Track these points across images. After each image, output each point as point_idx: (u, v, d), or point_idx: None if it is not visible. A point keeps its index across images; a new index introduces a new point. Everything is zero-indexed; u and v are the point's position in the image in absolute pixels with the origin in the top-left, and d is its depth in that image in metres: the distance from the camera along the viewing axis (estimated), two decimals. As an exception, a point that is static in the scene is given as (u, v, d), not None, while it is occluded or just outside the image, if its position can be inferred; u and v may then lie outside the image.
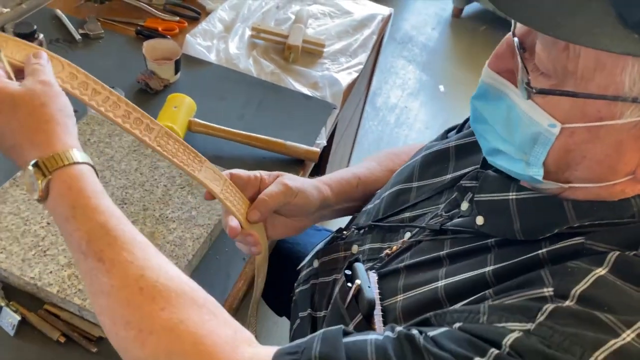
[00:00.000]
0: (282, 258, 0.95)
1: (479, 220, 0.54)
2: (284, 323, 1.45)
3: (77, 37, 1.17)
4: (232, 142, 0.99)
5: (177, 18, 1.28)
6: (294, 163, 1.00)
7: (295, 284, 0.79)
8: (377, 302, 0.56)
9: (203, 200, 0.85)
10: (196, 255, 0.78)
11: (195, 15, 1.31)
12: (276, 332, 1.55)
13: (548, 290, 0.43)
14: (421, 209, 0.66)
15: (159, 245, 0.77)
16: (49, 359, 0.67)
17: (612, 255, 0.44)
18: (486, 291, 0.48)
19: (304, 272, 0.78)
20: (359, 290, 0.57)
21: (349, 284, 0.59)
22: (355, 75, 1.23)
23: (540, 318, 0.41)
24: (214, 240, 0.84)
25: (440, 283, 0.53)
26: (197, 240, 0.79)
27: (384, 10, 1.46)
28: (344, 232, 0.77)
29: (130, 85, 1.08)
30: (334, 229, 0.81)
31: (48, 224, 0.77)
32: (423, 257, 0.58)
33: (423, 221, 0.64)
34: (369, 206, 0.76)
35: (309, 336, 0.50)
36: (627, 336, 0.39)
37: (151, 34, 1.21)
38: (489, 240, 0.54)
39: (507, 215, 0.52)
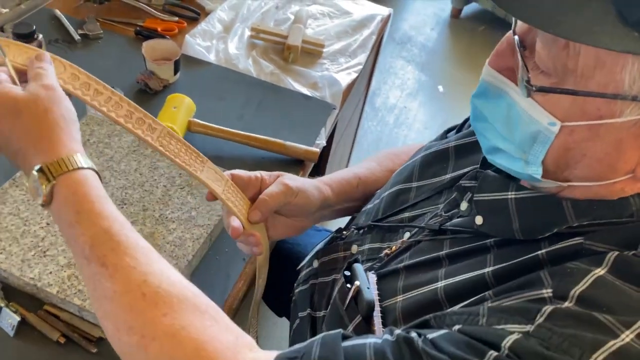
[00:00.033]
0: (282, 258, 0.95)
1: (478, 220, 0.54)
2: (283, 323, 1.45)
3: (76, 37, 1.17)
4: (232, 143, 0.99)
5: (176, 18, 1.28)
6: (294, 163, 1.00)
7: (295, 284, 0.79)
8: (377, 303, 0.56)
9: (203, 200, 0.85)
10: (196, 255, 0.78)
11: (195, 15, 1.31)
12: (275, 332, 1.55)
13: (547, 292, 0.43)
14: (421, 209, 0.66)
15: (158, 245, 0.77)
16: (48, 359, 0.67)
17: (611, 256, 0.44)
18: (486, 292, 0.48)
19: (303, 272, 0.78)
20: (358, 291, 0.57)
21: (348, 285, 0.59)
22: (354, 75, 1.23)
23: (539, 320, 0.41)
24: (213, 240, 0.84)
25: (440, 284, 0.53)
26: (197, 241, 0.79)
27: (383, 11, 1.46)
28: (344, 232, 0.77)
29: (129, 86, 1.08)
30: (334, 229, 0.81)
31: (48, 224, 0.76)
32: (422, 258, 0.58)
33: (422, 221, 0.64)
34: (369, 206, 0.76)
35: (308, 341, 0.50)
36: (626, 337, 0.39)
37: (150, 34, 1.21)
38: (488, 241, 0.54)
39: (506, 214, 0.52)
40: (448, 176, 0.67)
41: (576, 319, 0.40)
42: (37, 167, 0.48)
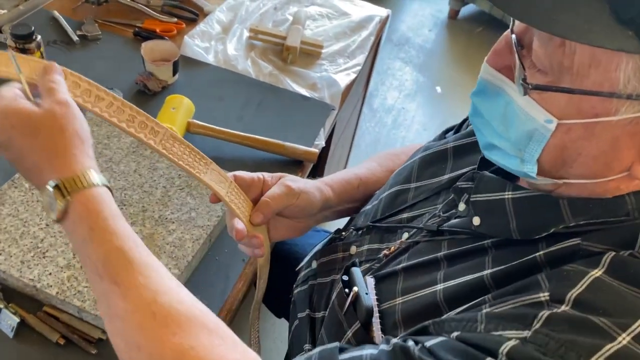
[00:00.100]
0: (281, 259, 0.95)
1: (476, 220, 0.55)
2: (282, 324, 1.45)
3: (75, 38, 1.17)
4: (231, 144, 0.99)
5: (175, 19, 1.28)
6: (293, 164, 1.00)
7: (294, 285, 0.79)
8: (375, 309, 0.56)
9: (202, 201, 0.85)
10: (196, 256, 0.78)
11: (193, 16, 1.31)
12: (274, 333, 1.55)
13: (544, 295, 0.43)
14: (419, 210, 0.66)
15: (158, 246, 0.77)
16: (48, 360, 0.67)
17: (608, 256, 0.44)
18: (485, 296, 0.48)
19: (302, 273, 0.78)
20: (357, 297, 0.57)
21: (346, 290, 0.59)
22: (353, 76, 1.23)
23: (536, 325, 0.41)
24: (213, 241, 0.84)
25: (439, 286, 0.53)
26: (196, 242, 0.79)
27: (381, 12, 1.46)
28: (343, 233, 0.77)
29: (128, 87, 1.08)
30: (333, 230, 0.81)
31: (47, 225, 0.76)
32: (421, 259, 0.58)
33: (421, 222, 0.64)
34: (368, 207, 0.76)
35: (306, 356, 0.51)
36: (623, 339, 0.39)
37: (149, 35, 1.21)
38: (486, 242, 0.54)
39: (504, 214, 0.52)
40: (446, 177, 0.67)
41: (572, 324, 0.40)
42: (52, 184, 0.49)
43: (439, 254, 0.57)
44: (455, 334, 0.45)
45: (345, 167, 1.90)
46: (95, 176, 0.51)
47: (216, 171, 0.63)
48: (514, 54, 0.48)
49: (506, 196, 0.52)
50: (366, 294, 0.57)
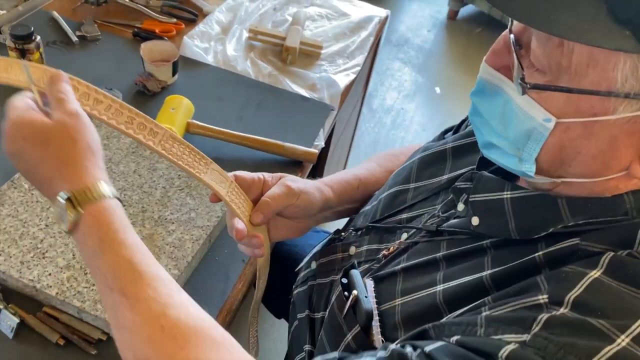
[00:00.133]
0: (280, 260, 0.95)
1: (474, 220, 0.55)
2: (281, 325, 1.44)
3: (74, 39, 1.17)
4: (231, 144, 0.99)
5: (174, 20, 1.29)
6: (292, 164, 1.00)
7: (294, 286, 0.79)
8: (375, 313, 0.56)
9: (202, 201, 0.85)
10: (195, 256, 0.78)
11: (192, 17, 1.31)
12: (273, 334, 1.55)
13: (543, 298, 0.43)
14: (418, 210, 0.67)
15: (158, 247, 0.77)
16: (48, 361, 0.66)
17: (607, 257, 0.44)
18: (484, 298, 0.48)
19: (302, 274, 0.78)
20: (357, 300, 0.57)
21: (346, 293, 0.59)
22: (352, 76, 1.23)
23: (536, 329, 0.41)
24: (213, 241, 0.84)
25: (439, 287, 0.53)
26: (196, 242, 0.79)
27: (380, 12, 1.46)
28: (342, 233, 0.77)
29: (128, 87, 1.08)
30: (332, 230, 0.81)
31: (46, 226, 0.76)
32: (420, 259, 0.58)
33: (420, 222, 0.64)
34: (367, 208, 0.76)
35: None
36: (622, 341, 0.39)
37: (148, 35, 1.21)
38: (485, 242, 0.54)
39: (502, 214, 0.52)
40: (445, 177, 0.67)
41: (571, 326, 0.40)
42: (64, 195, 0.49)
43: (438, 255, 0.57)
44: (455, 338, 0.45)
45: (344, 168, 1.90)
46: (106, 188, 0.51)
47: (216, 171, 0.63)
48: (512, 53, 0.48)
49: (505, 196, 0.53)
50: (365, 297, 0.57)
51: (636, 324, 0.39)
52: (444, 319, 0.49)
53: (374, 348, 0.54)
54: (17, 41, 1.00)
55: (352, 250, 0.71)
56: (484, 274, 0.50)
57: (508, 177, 0.56)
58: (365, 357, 0.49)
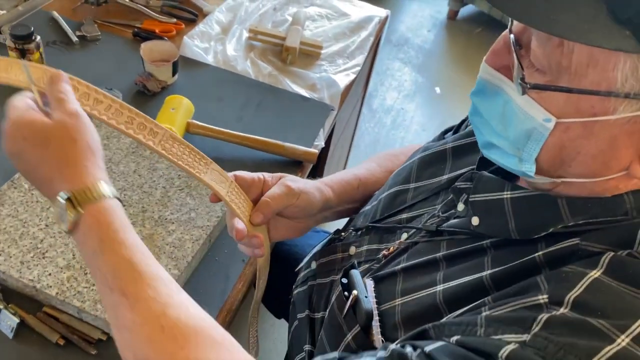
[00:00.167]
0: (281, 260, 0.95)
1: (474, 220, 0.55)
2: (281, 325, 1.44)
3: (74, 39, 1.17)
4: (231, 144, 0.99)
5: (174, 20, 1.29)
6: (292, 164, 1.00)
7: (294, 286, 0.79)
8: (375, 313, 0.56)
9: (202, 201, 0.85)
10: (195, 256, 0.78)
11: (192, 17, 1.31)
12: (273, 334, 1.55)
13: (543, 298, 0.43)
14: (418, 210, 0.67)
15: (158, 247, 0.77)
16: (48, 361, 0.66)
17: (607, 257, 0.44)
18: (485, 298, 0.48)
19: (301, 274, 0.78)
20: (356, 300, 0.57)
21: (346, 293, 0.59)
22: (352, 76, 1.23)
23: (535, 329, 0.41)
24: (213, 241, 0.84)
25: (439, 287, 0.53)
26: (196, 242, 0.79)
27: (380, 12, 1.46)
28: (342, 233, 0.77)
29: (127, 87, 1.08)
30: (332, 230, 0.81)
31: (46, 226, 0.76)
32: (419, 259, 0.58)
33: (420, 222, 0.64)
34: (367, 208, 0.76)
35: None
36: (622, 341, 0.39)
37: (148, 35, 1.21)
38: (485, 242, 0.54)
39: (502, 214, 0.52)
40: (445, 177, 0.67)
41: (571, 326, 0.40)
42: (64, 195, 0.49)
43: (437, 255, 0.57)
44: (455, 338, 0.45)
45: (344, 168, 1.90)
46: (106, 188, 0.51)
47: (216, 171, 0.63)
48: (512, 53, 0.48)
49: (505, 196, 0.53)
50: (365, 297, 0.57)
51: (636, 324, 0.39)
52: (444, 319, 0.49)
53: (374, 348, 0.54)
54: (17, 41, 1.00)
55: (352, 250, 0.71)
56: (483, 273, 0.50)
57: (508, 177, 0.56)
58: (365, 357, 0.49)
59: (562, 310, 0.41)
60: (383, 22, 1.45)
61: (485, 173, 0.56)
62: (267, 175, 0.71)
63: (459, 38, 3.20)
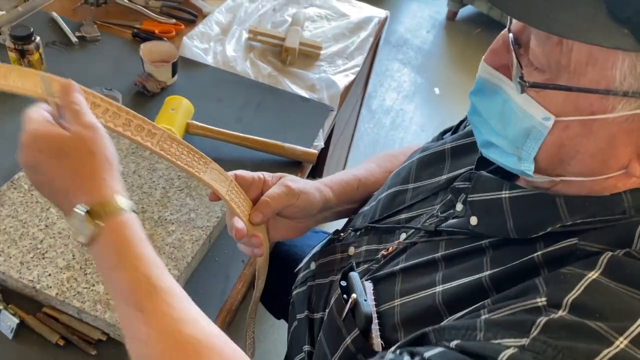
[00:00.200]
0: (280, 261, 0.95)
1: (473, 220, 0.55)
2: (281, 326, 1.44)
3: (74, 39, 1.17)
4: (230, 145, 0.99)
5: (174, 20, 1.29)
6: (292, 165, 1.01)
7: (293, 287, 0.79)
8: (374, 316, 0.56)
9: (202, 202, 0.85)
10: (195, 257, 0.78)
11: (192, 17, 1.31)
12: (272, 335, 1.55)
13: (541, 300, 0.43)
14: (417, 210, 0.67)
15: (157, 247, 0.77)
16: (47, 361, 0.66)
17: (605, 257, 0.44)
18: (484, 301, 0.48)
19: (301, 275, 0.79)
20: (356, 303, 0.57)
21: (345, 296, 0.59)
22: (352, 77, 1.23)
23: (534, 332, 0.41)
24: (212, 242, 0.84)
25: (438, 288, 0.53)
26: (196, 243, 0.79)
27: (379, 13, 1.47)
28: (341, 234, 0.77)
29: (127, 88, 1.08)
30: (332, 231, 0.81)
31: (46, 226, 0.76)
32: (418, 260, 0.58)
33: (419, 222, 0.64)
34: (365, 208, 0.76)
35: None
36: (620, 343, 0.39)
37: (148, 36, 1.21)
38: (483, 242, 0.54)
39: (501, 213, 0.52)
40: (444, 177, 0.67)
41: (569, 330, 0.40)
42: (83, 208, 0.49)
43: (436, 255, 0.57)
44: (454, 342, 0.45)
45: (344, 168, 1.90)
46: (125, 201, 0.51)
47: (216, 170, 0.63)
48: (511, 52, 0.48)
49: (503, 195, 0.53)
50: (365, 300, 0.57)
51: (634, 326, 0.39)
52: (443, 322, 0.49)
53: (373, 351, 0.54)
54: (16, 42, 1.00)
55: (351, 250, 0.71)
56: (483, 275, 0.50)
57: (507, 178, 0.56)
58: None
59: (560, 312, 0.41)
60: (382, 23, 1.45)
61: (484, 173, 0.56)
62: (267, 175, 0.72)
63: (458, 39, 3.21)
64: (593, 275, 0.43)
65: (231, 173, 0.68)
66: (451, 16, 3.33)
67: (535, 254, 0.48)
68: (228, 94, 1.12)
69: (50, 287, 0.69)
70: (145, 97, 1.07)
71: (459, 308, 0.50)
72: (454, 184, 0.61)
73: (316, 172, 1.38)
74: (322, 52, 1.27)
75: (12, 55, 1.01)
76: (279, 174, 0.73)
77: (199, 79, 1.15)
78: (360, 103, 1.73)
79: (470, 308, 0.48)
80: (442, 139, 0.76)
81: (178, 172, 0.89)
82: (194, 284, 0.78)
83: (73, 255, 0.73)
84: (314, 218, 0.77)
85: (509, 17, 0.48)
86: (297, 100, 1.14)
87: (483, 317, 0.45)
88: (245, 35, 1.28)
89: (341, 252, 0.72)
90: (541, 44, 0.45)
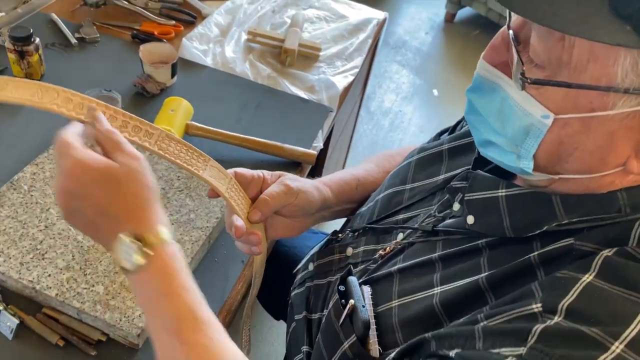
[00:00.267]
0: (279, 262, 0.95)
1: (469, 219, 0.55)
2: (280, 327, 1.45)
3: (73, 41, 1.17)
4: (230, 145, 1.00)
5: (173, 22, 1.29)
6: (291, 166, 1.01)
7: (291, 288, 0.79)
8: (372, 321, 0.56)
9: (201, 203, 0.85)
10: (195, 258, 0.78)
11: (191, 19, 1.31)
12: (272, 335, 1.55)
13: (537, 306, 0.43)
14: (415, 211, 0.67)
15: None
16: (47, 362, 0.67)
17: (599, 258, 0.44)
18: (483, 307, 0.48)
19: (299, 276, 0.79)
20: (354, 309, 0.57)
21: (343, 301, 0.59)
22: (351, 78, 1.24)
23: (531, 341, 0.41)
24: (212, 242, 0.84)
25: (436, 290, 0.53)
26: (195, 243, 0.79)
27: (378, 15, 1.47)
28: (339, 235, 0.77)
29: (127, 89, 1.08)
30: (330, 231, 0.81)
31: (46, 227, 0.76)
32: (416, 260, 0.58)
33: (416, 222, 0.64)
34: (363, 209, 0.76)
35: None
36: (616, 348, 0.39)
37: (147, 37, 1.22)
38: (480, 242, 0.54)
39: (497, 212, 0.52)
40: (442, 177, 0.68)
41: (565, 337, 0.40)
42: (132, 237, 0.50)
43: (434, 255, 0.57)
44: (454, 351, 0.45)
45: (342, 169, 1.90)
46: (167, 232, 0.52)
47: (216, 168, 0.63)
48: (511, 49, 0.48)
49: (500, 194, 0.53)
50: (363, 306, 0.57)
51: (629, 329, 0.39)
52: (443, 329, 0.49)
53: (370, 357, 0.54)
54: (16, 43, 1.00)
55: (349, 251, 0.71)
56: (479, 277, 0.50)
57: (504, 178, 0.56)
58: None
59: (556, 319, 0.41)
60: (381, 25, 1.46)
61: (481, 172, 0.57)
62: (266, 173, 0.72)
63: (456, 40, 3.21)
64: (587, 278, 0.43)
65: (231, 171, 0.68)
66: (449, 18, 3.34)
67: (532, 255, 0.48)
68: (227, 95, 1.12)
69: (50, 287, 0.70)
70: (144, 99, 1.08)
71: (457, 311, 0.50)
72: (451, 183, 0.61)
73: (315, 173, 1.38)
74: (321, 53, 1.28)
75: (12, 56, 1.02)
76: (279, 172, 0.73)
77: (199, 80, 1.15)
78: (359, 104, 1.73)
79: (469, 315, 0.48)
80: (439, 139, 0.76)
81: (177, 173, 0.89)
82: (193, 285, 0.78)
83: (73, 256, 0.74)
84: (313, 217, 0.77)
85: (508, 14, 0.48)
86: (296, 102, 1.14)
87: (481, 324, 0.45)
88: (244, 36, 1.28)
89: (339, 252, 0.72)
90: (543, 40, 0.45)
